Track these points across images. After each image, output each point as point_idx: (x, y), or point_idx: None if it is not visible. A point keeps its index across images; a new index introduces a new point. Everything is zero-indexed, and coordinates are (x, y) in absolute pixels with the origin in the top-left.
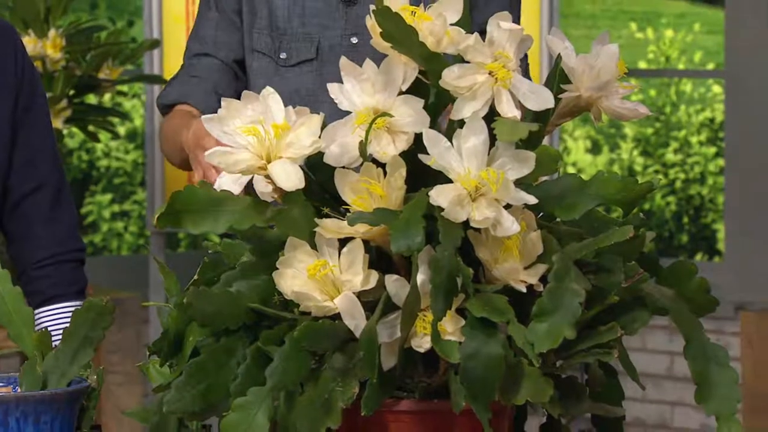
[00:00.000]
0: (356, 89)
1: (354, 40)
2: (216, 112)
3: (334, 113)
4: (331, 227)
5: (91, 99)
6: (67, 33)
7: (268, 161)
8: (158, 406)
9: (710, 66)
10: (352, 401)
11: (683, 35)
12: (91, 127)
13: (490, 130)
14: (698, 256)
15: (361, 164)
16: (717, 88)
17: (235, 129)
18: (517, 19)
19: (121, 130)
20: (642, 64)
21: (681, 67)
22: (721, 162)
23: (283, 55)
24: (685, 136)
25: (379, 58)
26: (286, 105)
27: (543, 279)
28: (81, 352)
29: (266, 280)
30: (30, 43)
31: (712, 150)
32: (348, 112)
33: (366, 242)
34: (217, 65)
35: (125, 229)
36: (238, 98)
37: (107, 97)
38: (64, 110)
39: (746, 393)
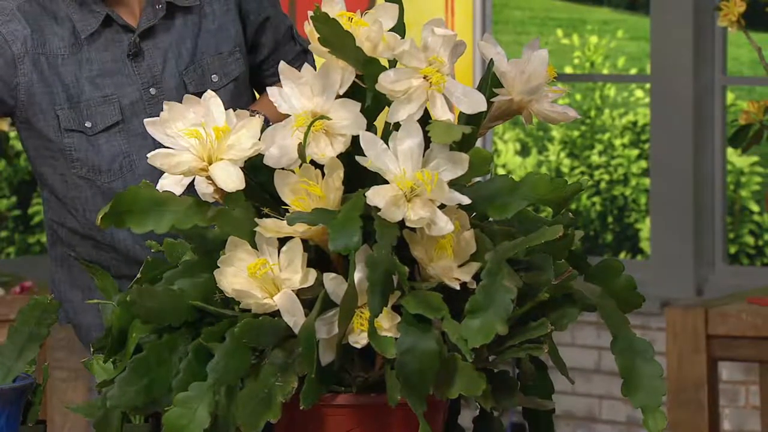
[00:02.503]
0: (295, 93)
1: (152, 91)
2: None
3: (152, 171)
4: (270, 227)
5: None
6: None
7: (210, 163)
8: (102, 401)
9: (633, 71)
10: (291, 395)
11: (607, 41)
12: None
13: (425, 133)
14: (622, 254)
15: (300, 166)
16: (639, 93)
17: (178, 131)
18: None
19: None
20: (568, 69)
21: (605, 71)
22: (643, 164)
23: (88, 124)
24: (609, 139)
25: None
26: (108, 173)
27: (476, 277)
28: (26, 349)
29: (208, 278)
30: None
31: (635, 152)
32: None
33: (305, 241)
34: None
35: None
36: None
37: None
38: None
39: (671, 386)
